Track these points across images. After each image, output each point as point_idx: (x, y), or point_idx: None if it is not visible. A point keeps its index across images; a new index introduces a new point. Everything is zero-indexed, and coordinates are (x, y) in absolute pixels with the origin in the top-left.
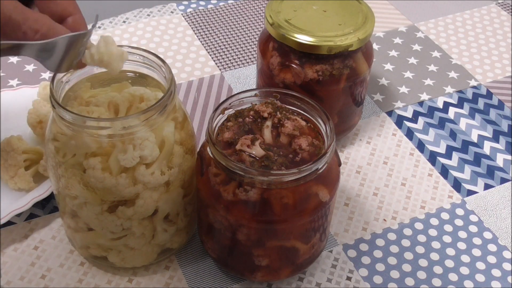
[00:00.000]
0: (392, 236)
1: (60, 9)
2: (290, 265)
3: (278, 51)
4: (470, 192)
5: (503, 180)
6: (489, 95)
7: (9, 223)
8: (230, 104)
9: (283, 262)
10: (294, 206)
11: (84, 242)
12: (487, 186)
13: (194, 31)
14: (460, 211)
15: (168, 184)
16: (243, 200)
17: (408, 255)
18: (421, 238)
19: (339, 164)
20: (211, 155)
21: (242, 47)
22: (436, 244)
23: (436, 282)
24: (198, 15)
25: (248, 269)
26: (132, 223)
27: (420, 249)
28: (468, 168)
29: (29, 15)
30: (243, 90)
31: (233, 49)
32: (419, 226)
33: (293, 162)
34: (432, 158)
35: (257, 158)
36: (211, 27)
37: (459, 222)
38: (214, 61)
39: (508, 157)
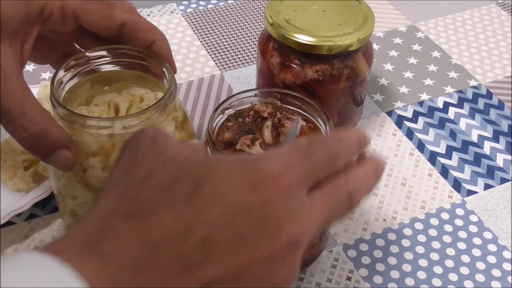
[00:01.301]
0: (392, 236)
1: (143, 42)
2: None
3: (278, 51)
4: (470, 192)
5: (503, 180)
6: (489, 95)
7: (9, 223)
8: (230, 104)
9: None
10: None
11: None
12: (487, 186)
13: (194, 31)
14: (460, 211)
15: None
16: None
17: (408, 255)
18: (421, 238)
19: None
20: None
21: (242, 47)
22: (436, 244)
23: (436, 282)
24: (198, 15)
25: None
26: None
27: (420, 249)
28: (468, 168)
29: (26, 111)
30: (243, 90)
31: (233, 49)
32: (419, 226)
33: None
34: (432, 158)
35: None
36: (211, 27)
37: (459, 222)
38: (214, 61)
39: (508, 157)
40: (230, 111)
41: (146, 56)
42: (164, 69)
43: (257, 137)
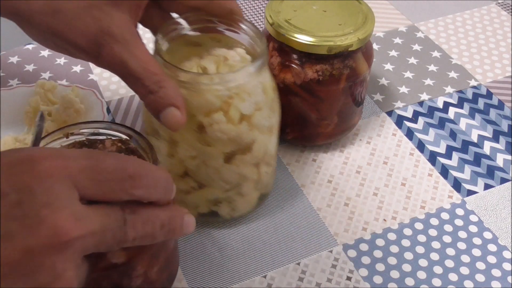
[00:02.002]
0: (392, 236)
1: (227, 3)
2: None
3: (278, 51)
4: (470, 192)
5: (503, 180)
6: (489, 95)
7: None
8: (80, 130)
9: None
10: None
11: (195, 201)
12: (487, 186)
13: None
14: (460, 211)
15: (271, 127)
16: None
17: (408, 255)
18: (421, 238)
19: None
20: None
21: None
22: (436, 244)
23: (436, 282)
24: None
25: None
26: (247, 169)
27: (420, 249)
28: (468, 168)
29: (148, 70)
30: (100, 120)
31: None
32: (419, 226)
33: None
34: (432, 158)
35: None
36: None
37: (459, 222)
38: None
39: (508, 157)
40: (79, 138)
41: (229, 21)
42: (245, 26)
43: None
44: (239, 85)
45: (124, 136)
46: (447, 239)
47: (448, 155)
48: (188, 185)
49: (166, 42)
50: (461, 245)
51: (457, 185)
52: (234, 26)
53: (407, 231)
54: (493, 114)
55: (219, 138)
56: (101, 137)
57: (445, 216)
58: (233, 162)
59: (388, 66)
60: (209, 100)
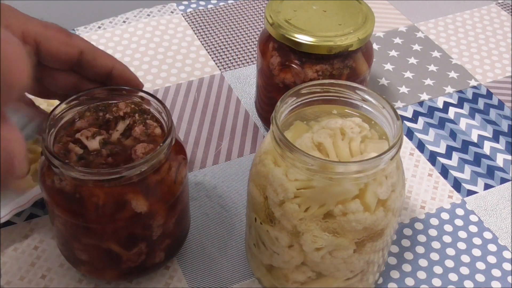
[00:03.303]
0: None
1: (104, 68)
2: (114, 268)
3: (278, 51)
4: (470, 192)
5: (503, 180)
6: (489, 95)
7: (9, 223)
8: (95, 95)
9: (105, 263)
10: (104, 208)
11: None
12: (487, 186)
13: (194, 31)
14: (460, 211)
15: (402, 206)
16: (58, 188)
17: (408, 255)
18: (421, 238)
19: (176, 182)
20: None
21: (242, 47)
22: (436, 244)
23: (436, 282)
24: (198, 15)
25: (72, 260)
26: (375, 254)
27: (420, 249)
28: (468, 168)
29: None
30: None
31: (233, 49)
32: (419, 226)
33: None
34: (432, 158)
35: (89, 151)
36: (211, 27)
37: (459, 222)
38: (214, 61)
39: (508, 157)
40: (95, 102)
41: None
42: (373, 98)
43: (102, 133)
44: (378, 169)
45: (137, 99)
46: (447, 239)
47: (448, 155)
48: (305, 275)
49: (283, 118)
50: (461, 245)
51: (457, 185)
52: (353, 96)
53: (407, 231)
54: (493, 114)
55: (353, 228)
56: (115, 101)
57: (445, 216)
58: (363, 250)
59: (388, 66)
60: (347, 189)
